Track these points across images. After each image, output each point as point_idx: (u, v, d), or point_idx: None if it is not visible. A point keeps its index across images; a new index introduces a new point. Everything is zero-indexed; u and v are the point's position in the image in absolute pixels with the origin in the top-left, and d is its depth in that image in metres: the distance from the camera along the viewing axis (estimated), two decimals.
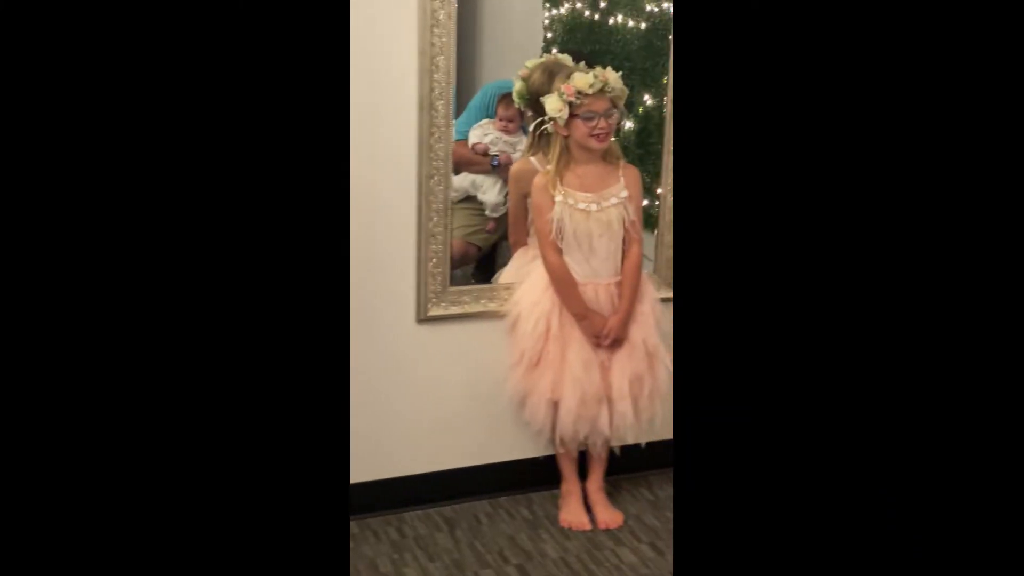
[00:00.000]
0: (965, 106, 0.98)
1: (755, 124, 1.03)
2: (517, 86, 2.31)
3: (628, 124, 2.48)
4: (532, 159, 2.27)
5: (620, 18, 2.52)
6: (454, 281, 2.27)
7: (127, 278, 0.98)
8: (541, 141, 2.24)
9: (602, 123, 2.08)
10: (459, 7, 2.09)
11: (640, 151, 2.50)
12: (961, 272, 0.99)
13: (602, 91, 2.06)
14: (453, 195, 2.24)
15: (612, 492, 2.46)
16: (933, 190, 0.99)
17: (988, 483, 0.99)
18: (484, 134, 2.44)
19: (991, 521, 0.98)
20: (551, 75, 2.22)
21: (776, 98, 1.02)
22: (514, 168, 2.33)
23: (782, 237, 1.03)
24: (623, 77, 2.11)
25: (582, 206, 2.13)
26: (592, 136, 2.08)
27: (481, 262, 2.53)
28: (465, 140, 2.42)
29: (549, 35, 2.60)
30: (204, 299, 1.00)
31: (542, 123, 2.17)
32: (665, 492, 2.52)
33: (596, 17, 2.56)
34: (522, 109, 2.35)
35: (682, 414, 1.09)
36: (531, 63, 2.33)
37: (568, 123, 2.09)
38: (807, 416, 1.03)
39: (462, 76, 2.26)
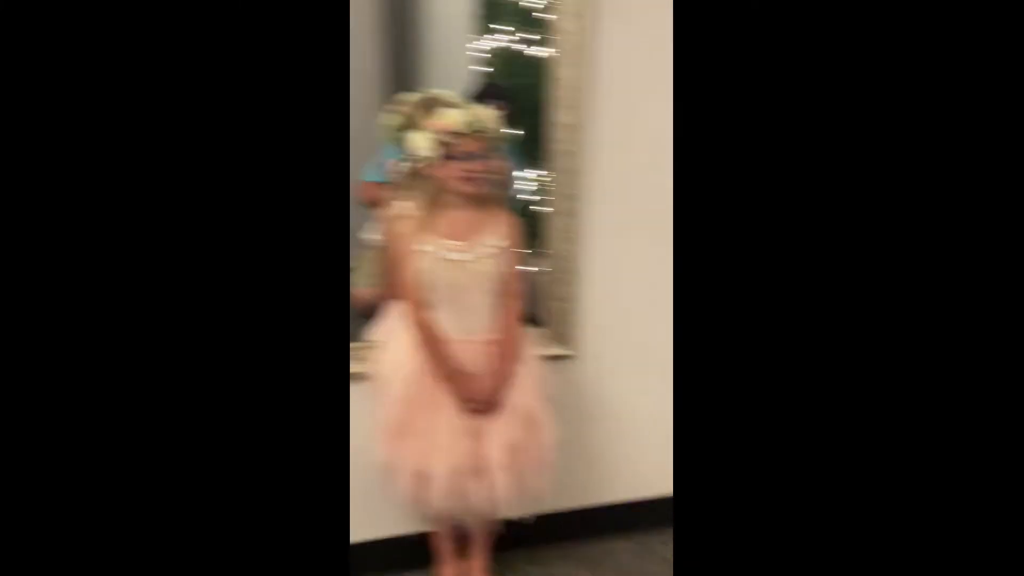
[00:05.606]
0: (964, 106, 0.96)
1: (756, 126, 1.01)
2: (391, 120, 2.09)
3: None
4: (404, 203, 2.04)
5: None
6: None
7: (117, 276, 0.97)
8: (414, 182, 2.01)
9: (474, 165, 1.86)
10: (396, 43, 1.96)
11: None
12: (959, 276, 0.97)
13: (476, 130, 1.84)
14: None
15: (501, 572, 2.21)
16: (926, 216, 0.97)
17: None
18: None
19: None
20: (425, 110, 2.00)
21: (777, 101, 1.00)
22: (386, 213, 2.10)
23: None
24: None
25: (453, 256, 1.90)
26: (463, 180, 1.87)
27: None
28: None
29: (487, 68, 2.40)
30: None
31: (411, 162, 1.94)
32: (562, 570, 2.27)
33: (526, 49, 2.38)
34: (396, 146, 2.12)
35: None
36: (410, 97, 2.11)
37: (437, 164, 1.87)
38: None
39: None
